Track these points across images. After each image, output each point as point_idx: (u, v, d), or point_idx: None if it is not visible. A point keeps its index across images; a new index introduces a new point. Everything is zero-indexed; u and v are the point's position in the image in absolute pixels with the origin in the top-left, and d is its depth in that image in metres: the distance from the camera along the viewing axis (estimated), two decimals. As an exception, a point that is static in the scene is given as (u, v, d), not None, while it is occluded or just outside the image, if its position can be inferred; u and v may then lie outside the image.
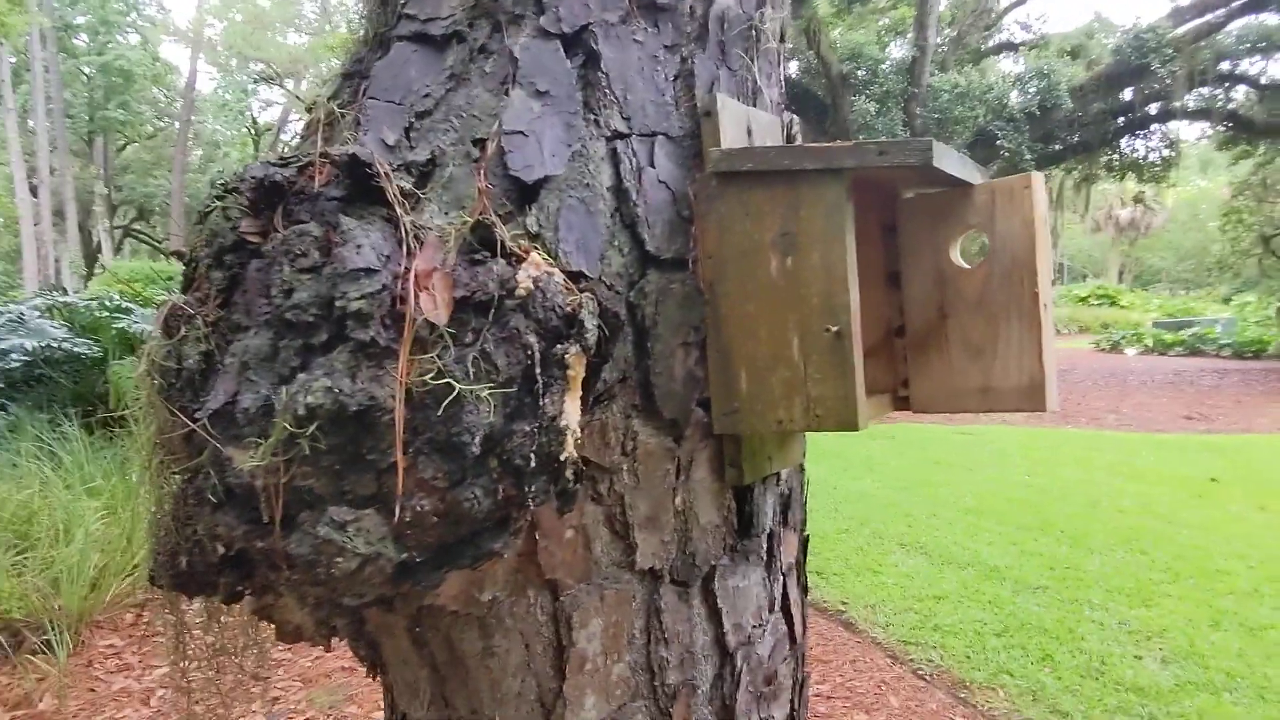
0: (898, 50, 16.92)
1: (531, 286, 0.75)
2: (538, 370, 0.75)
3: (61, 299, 7.21)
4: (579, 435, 0.77)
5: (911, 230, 1.04)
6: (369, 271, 0.71)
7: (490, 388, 0.73)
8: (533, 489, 0.76)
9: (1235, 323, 17.55)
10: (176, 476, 0.84)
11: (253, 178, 0.79)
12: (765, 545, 1.09)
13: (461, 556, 0.79)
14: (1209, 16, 13.30)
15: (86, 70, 28.62)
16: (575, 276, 0.83)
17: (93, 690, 3.10)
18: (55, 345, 5.73)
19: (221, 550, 0.83)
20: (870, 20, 17.49)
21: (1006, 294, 0.94)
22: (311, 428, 0.70)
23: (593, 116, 0.90)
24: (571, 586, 0.90)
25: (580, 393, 0.79)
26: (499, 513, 0.78)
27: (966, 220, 0.98)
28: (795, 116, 1.18)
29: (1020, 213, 0.92)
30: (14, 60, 23.27)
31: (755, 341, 0.92)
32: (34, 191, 22.91)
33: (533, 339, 0.75)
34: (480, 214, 0.79)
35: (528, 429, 0.75)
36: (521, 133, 0.84)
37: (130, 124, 30.28)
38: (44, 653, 3.14)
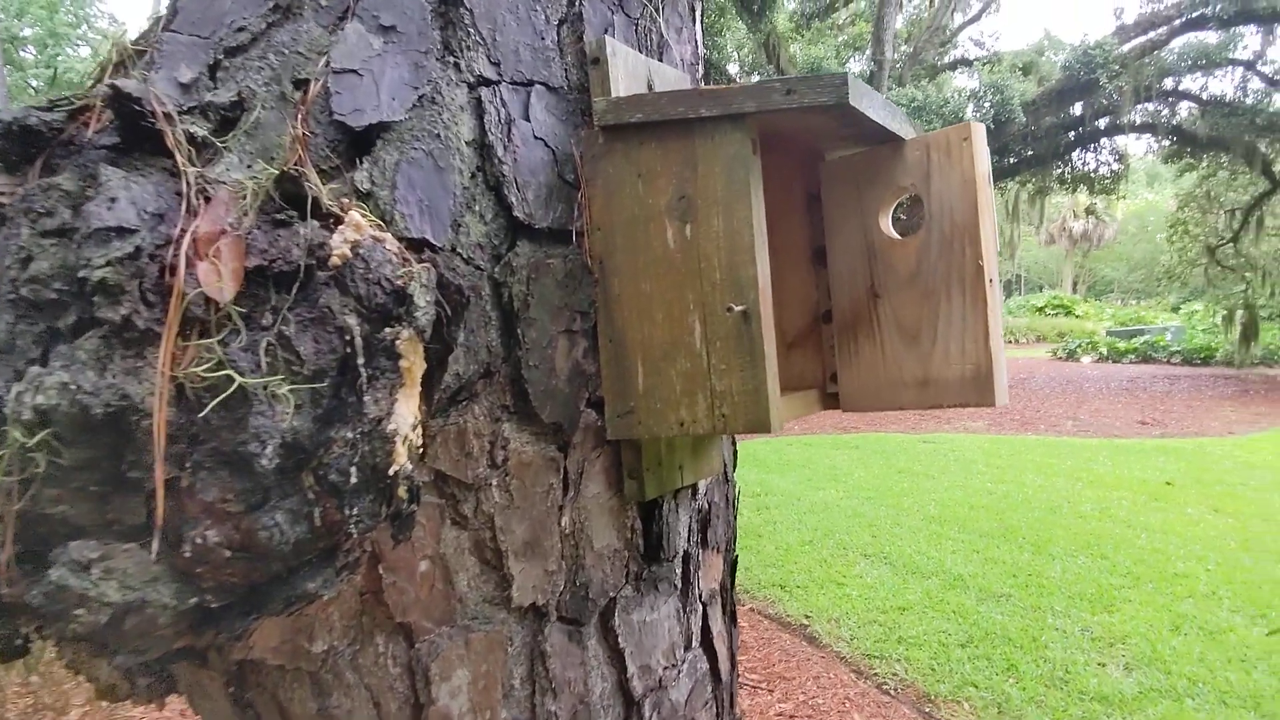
0: (856, 65, 17.09)
1: (349, 254, 0.59)
2: (359, 360, 0.59)
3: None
4: (416, 443, 0.61)
5: (836, 197, 0.88)
6: (121, 231, 0.54)
7: (290, 382, 0.57)
8: (354, 512, 0.60)
9: (1184, 330, 17.91)
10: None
11: (0, 122, 0.62)
12: (680, 571, 0.93)
13: (270, 600, 0.62)
14: (1152, 34, 13.59)
15: (35, 84, 27.75)
16: (418, 245, 0.67)
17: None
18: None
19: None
20: (829, 36, 17.61)
21: (946, 266, 0.79)
22: (42, 436, 0.54)
23: (452, 59, 0.74)
24: (430, 630, 0.73)
25: (419, 389, 0.63)
26: (320, 543, 0.61)
27: (898, 182, 0.83)
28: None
29: (959, 169, 0.77)
30: (-47, 74, 22.51)
31: (651, 327, 0.76)
32: (-27, 209, 22.10)
33: (352, 320, 0.59)
34: (295, 165, 0.63)
35: (349, 435, 0.59)
36: (355, 71, 0.68)
37: (78, 139, 29.38)
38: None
